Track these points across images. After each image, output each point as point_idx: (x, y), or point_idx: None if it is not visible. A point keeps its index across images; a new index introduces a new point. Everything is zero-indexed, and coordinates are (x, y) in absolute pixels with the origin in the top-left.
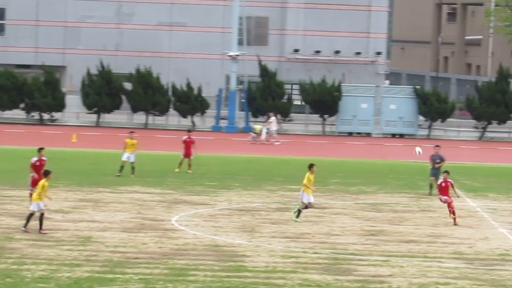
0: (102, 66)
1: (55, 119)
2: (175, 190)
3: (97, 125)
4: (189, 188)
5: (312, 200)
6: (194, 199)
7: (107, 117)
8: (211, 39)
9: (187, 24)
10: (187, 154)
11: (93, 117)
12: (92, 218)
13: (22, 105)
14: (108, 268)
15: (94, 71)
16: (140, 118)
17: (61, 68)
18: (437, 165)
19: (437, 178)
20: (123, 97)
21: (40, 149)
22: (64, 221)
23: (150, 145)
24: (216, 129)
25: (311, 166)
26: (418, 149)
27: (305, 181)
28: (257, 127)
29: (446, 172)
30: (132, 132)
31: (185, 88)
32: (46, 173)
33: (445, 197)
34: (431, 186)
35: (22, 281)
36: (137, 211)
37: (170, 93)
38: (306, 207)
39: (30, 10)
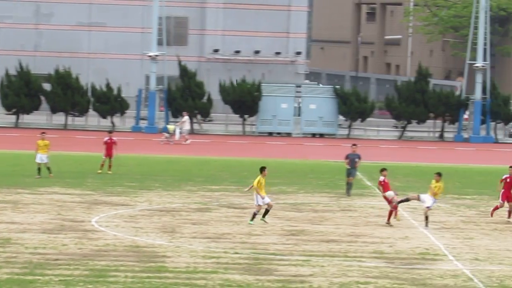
0: (21, 67)
1: None
2: (95, 191)
3: (16, 126)
4: (109, 189)
5: (267, 200)
6: (114, 200)
7: (26, 118)
8: (130, 39)
9: (106, 25)
10: (108, 155)
11: (12, 118)
12: (11, 219)
13: None
14: (28, 270)
15: (12, 71)
16: (59, 118)
17: None
18: (356, 165)
19: (353, 177)
20: (42, 98)
21: None
22: None
23: (70, 146)
24: (136, 129)
25: (262, 169)
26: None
27: (255, 184)
28: (171, 127)
29: (385, 169)
30: (43, 132)
31: (104, 89)
32: None
33: (390, 193)
34: (348, 186)
35: None
36: (57, 212)
37: (89, 93)
38: (267, 210)
39: None
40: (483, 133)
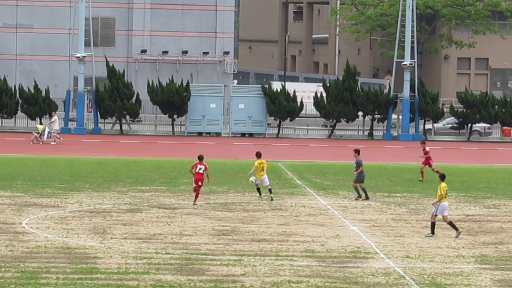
0: None
1: None
2: (25, 193)
3: None
4: (39, 191)
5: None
6: (44, 202)
7: None
8: (58, 40)
9: (33, 26)
10: None
11: None
12: None
13: None
14: None
15: None
16: None
17: None
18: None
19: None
20: None
21: None
22: None
23: None
24: (65, 131)
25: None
26: (252, 178)
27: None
28: (40, 126)
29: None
30: None
31: (32, 90)
32: None
33: None
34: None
35: None
36: None
37: (17, 95)
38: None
39: None
40: (412, 131)
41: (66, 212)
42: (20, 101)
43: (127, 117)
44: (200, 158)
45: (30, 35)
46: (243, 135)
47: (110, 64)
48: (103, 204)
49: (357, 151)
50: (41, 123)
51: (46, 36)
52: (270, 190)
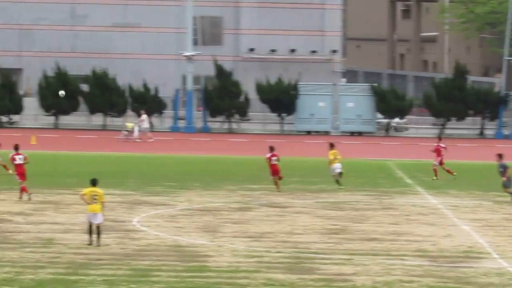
0: (58, 68)
1: (14, 122)
2: (135, 191)
3: (56, 127)
4: (149, 189)
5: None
6: (154, 200)
7: (65, 119)
8: (165, 39)
9: (141, 25)
10: None
11: (51, 119)
12: (54, 220)
13: None
14: (72, 270)
15: (50, 73)
16: (98, 119)
17: (17, 71)
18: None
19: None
20: (81, 98)
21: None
22: (26, 223)
23: (109, 146)
24: (174, 129)
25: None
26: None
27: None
28: (129, 124)
29: None
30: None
31: (141, 89)
32: None
33: None
34: None
35: None
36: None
37: (127, 94)
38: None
39: None
40: None
41: (176, 210)
42: (129, 99)
43: (236, 115)
44: (272, 149)
45: (138, 34)
46: (351, 133)
47: (218, 63)
48: (213, 202)
49: (500, 155)
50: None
51: (154, 35)
52: (338, 180)
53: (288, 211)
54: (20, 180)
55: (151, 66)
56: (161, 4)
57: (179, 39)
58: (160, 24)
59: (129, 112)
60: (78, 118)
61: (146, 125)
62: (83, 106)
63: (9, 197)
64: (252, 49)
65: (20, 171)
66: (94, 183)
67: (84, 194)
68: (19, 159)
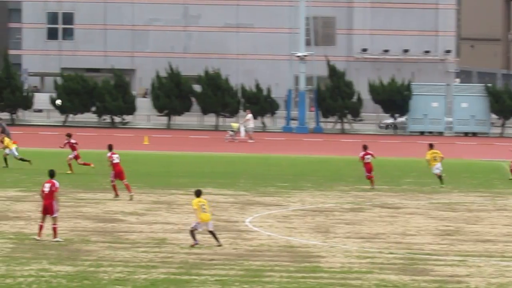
0: (171, 69)
1: (127, 122)
2: (247, 191)
3: (168, 127)
4: (261, 189)
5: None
6: (267, 200)
7: (177, 120)
8: (278, 39)
9: (253, 25)
10: None
11: (164, 119)
12: (166, 220)
13: (93, 109)
14: (184, 270)
15: (163, 73)
16: (210, 120)
17: (130, 71)
18: None
19: None
20: (193, 99)
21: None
22: (139, 223)
23: (220, 147)
24: (287, 130)
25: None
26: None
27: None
28: (235, 124)
29: None
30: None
31: (254, 90)
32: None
33: None
34: None
35: (99, 283)
36: (211, 213)
37: (239, 94)
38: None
39: (98, 14)
40: None
41: (289, 210)
42: (242, 100)
43: (349, 116)
44: (365, 147)
45: (250, 35)
46: (465, 134)
47: (331, 63)
48: (326, 203)
49: None
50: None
51: (267, 36)
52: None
53: (401, 212)
54: (114, 179)
55: (264, 66)
56: (274, 4)
57: (292, 39)
58: (272, 25)
59: (241, 113)
60: (190, 119)
61: (251, 125)
62: (195, 106)
63: (122, 197)
64: (365, 49)
65: (118, 169)
66: (198, 194)
67: (196, 209)
68: (116, 158)
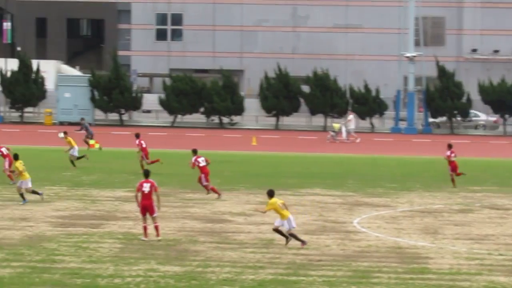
0: (280, 69)
1: (235, 123)
2: (355, 192)
3: (276, 128)
4: (369, 190)
5: None
6: (375, 201)
7: (285, 120)
8: (387, 40)
9: (362, 26)
10: None
11: (272, 120)
12: (274, 220)
13: (201, 109)
14: (292, 271)
15: (271, 74)
16: (319, 120)
17: (239, 72)
18: None
19: None
20: (301, 99)
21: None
22: (246, 224)
23: (331, 147)
24: (395, 130)
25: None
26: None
27: None
28: (336, 125)
29: None
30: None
31: (362, 90)
32: None
33: None
34: None
35: (207, 283)
36: (319, 214)
37: (347, 95)
38: None
39: (207, 15)
40: None
41: (397, 211)
42: (350, 101)
43: (458, 116)
44: (450, 146)
45: (359, 35)
46: None
47: (440, 63)
48: (434, 204)
49: None
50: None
51: (375, 36)
52: None
53: (511, 214)
54: (207, 182)
55: (372, 67)
56: (383, 4)
57: (401, 39)
58: (381, 25)
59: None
60: (298, 119)
61: (352, 125)
62: (303, 107)
63: (230, 197)
64: (474, 50)
65: (206, 172)
66: (271, 194)
67: (275, 208)
68: (202, 161)
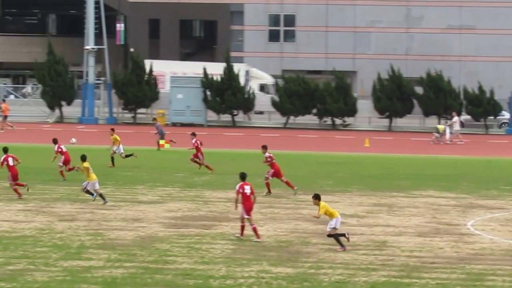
0: (393, 71)
1: (348, 124)
2: (469, 194)
3: (389, 129)
4: (484, 192)
5: None
6: (489, 203)
7: (398, 122)
8: (502, 41)
9: (476, 27)
10: None
11: (385, 121)
12: (387, 222)
13: (314, 111)
14: (405, 273)
15: (384, 75)
16: (432, 122)
17: (351, 73)
18: None
19: None
20: (414, 101)
21: None
22: (359, 226)
23: (440, 149)
24: (510, 132)
25: None
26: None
27: None
28: (440, 127)
29: None
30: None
31: (476, 91)
32: None
33: None
34: None
35: (319, 285)
36: (432, 216)
37: (461, 96)
38: None
39: (320, 16)
40: None
41: (511, 214)
42: (464, 102)
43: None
44: None
45: (473, 36)
46: None
47: None
48: None
49: None
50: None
51: (490, 37)
52: None
53: None
54: (272, 177)
55: (487, 68)
56: (497, 5)
57: None
58: (496, 26)
59: (466, 116)
60: (412, 121)
61: (457, 127)
62: (417, 108)
63: (343, 199)
64: None
65: (277, 168)
66: (319, 197)
67: (326, 210)
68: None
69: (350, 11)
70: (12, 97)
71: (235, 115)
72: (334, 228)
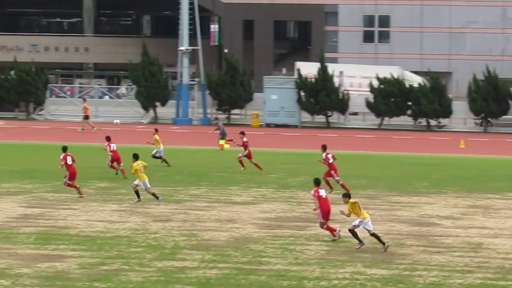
0: (488, 71)
1: (443, 126)
2: None
3: (485, 131)
4: None
5: None
6: None
7: (494, 123)
8: None
9: None
10: None
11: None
12: (483, 224)
13: (409, 112)
14: (500, 275)
15: (479, 76)
16: None
17: (447, 74)
18: None
19: None
20: (511, 102)
21: None
22: (454, 228)
23: None
24: None
25: None
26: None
27: None
28: None
29: None
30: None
31: None
32: None
33: None
34: None
35: (414, 287)
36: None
37: None
38: None
39: (415, 17)
40: None
41: None
42: None
43: None
44: None
45: None
46: None
47: None
48: None
49: None
50: None
51: None
52: None
53: None
54: (338, 177)
55: None
56: None
57: None
58: None
59: None
60: (509, 123)
61: None
62: None
63: (438, 200)
64: None
65: (334, 168)
66: (347, 196)
67: (358, 208)
68: (331, 158)
69: (445, 12)
70: (106, 97)
71: (329, 116)
72: (355, 226)
